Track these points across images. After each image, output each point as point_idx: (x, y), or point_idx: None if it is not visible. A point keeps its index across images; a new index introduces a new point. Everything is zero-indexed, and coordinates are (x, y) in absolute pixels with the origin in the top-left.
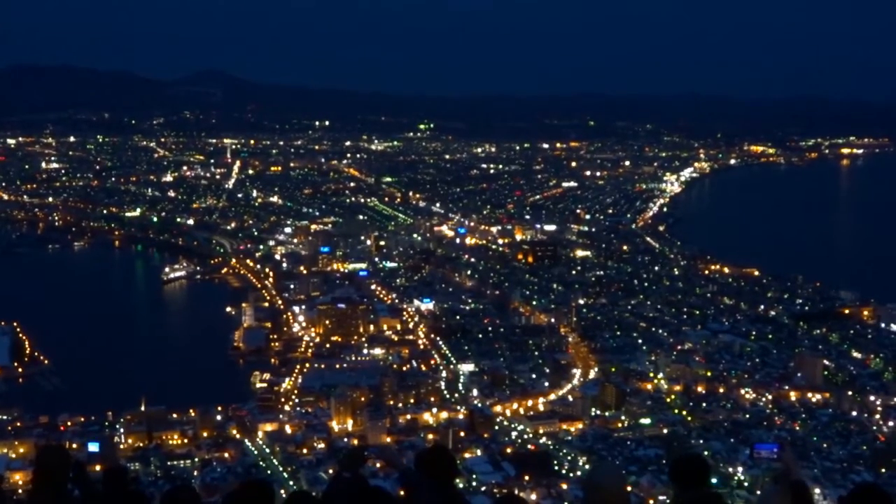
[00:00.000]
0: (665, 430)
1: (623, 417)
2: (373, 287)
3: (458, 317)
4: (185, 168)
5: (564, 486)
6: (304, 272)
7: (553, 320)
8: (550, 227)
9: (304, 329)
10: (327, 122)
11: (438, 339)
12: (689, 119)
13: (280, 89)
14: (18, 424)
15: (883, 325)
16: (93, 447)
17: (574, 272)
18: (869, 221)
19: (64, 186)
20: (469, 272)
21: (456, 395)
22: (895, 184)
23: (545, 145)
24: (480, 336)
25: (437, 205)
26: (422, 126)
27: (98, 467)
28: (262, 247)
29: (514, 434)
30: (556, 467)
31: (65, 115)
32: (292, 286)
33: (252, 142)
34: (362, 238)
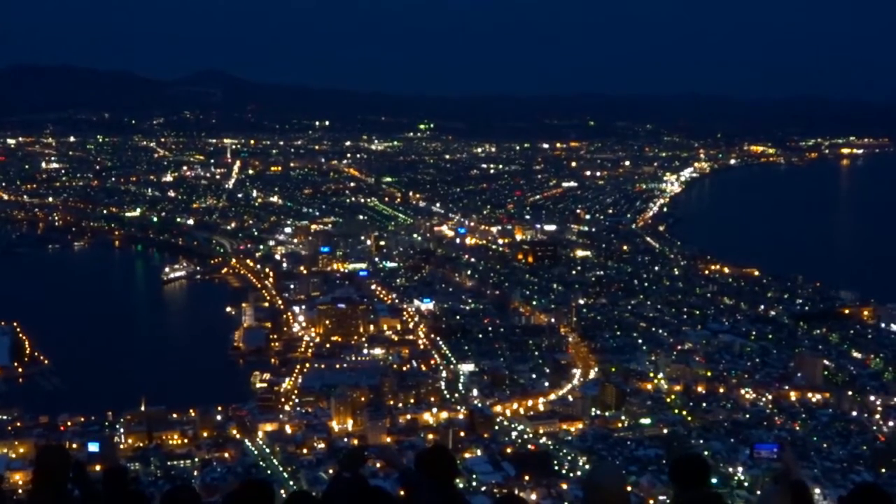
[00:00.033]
0: (665, 430)
1: (623, 417)
2: (373, 287)
3: (458, 317)
4: (185, 168)
5: (564, 486)
6: (304, 272)
7: (553, 320)
8: (550, 227)
9: (304, 329)
10: (327, 122)
11: (438, 339)
12: (689, 119)
13: (280, 89)
14: (18, 424)
15: (883, 325)
16: (93, 447)
17: (574, 272)
18: (869, 221)
19: (64, 186)
20: (469, 272)
21: (456, 395)
22: (895, 184)
23: (545, 145)
24: (480, 336)
25: (437, 205)
26: (422, 126)
27: (98, 467)
28: (262, 247)
29: (514, 434)
30: (556, 467)
31: (65, 115)
32: (292, 286)
33: (252, 142)
34: (362, 238)
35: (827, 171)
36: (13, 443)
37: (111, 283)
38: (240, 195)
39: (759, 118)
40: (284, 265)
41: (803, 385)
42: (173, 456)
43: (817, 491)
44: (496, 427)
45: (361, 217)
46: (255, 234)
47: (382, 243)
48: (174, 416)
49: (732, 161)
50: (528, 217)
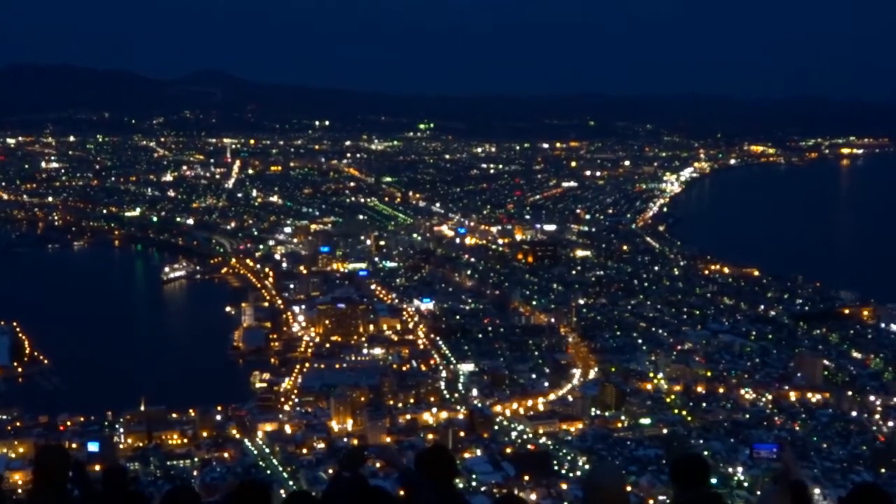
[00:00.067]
0: (665, 430)
1: (623, 417)
2: (373, 287)
3: (458, 317)
4: (184, 168)
5: (564, 486)
6: (304, 272)
7: (553, 320)
8: (550, 227)
9: (303, 329)
10: (327, 122)
11: (438, 339)
12: (689, 119)
13: (280, 89)
14: (18, 424)
15: (883, 325)
16: (92, 447)
17: (574, 272)
18: (869, 221)
19: (64, 186)
20: (469, 272)
21: (456, 395)
22: (895, 184)
23: (545, 145)
24: (480, 336)
25: (437, 205)
26: (422, 126)
27: (98, 467)
28: (261, 247)
29: (513, 434)
30: (556, 467)
31: (65, 114)
32: (292, 286)
33: (252, 142)
34: (362, 238)
35: (827, 171)
36: (13, 443)
37: (111, 282)
38: (240, 195)
39: (759, 118)
40: (284, 265)
41: (803, 385)
42: (173, 456)
43: (817, 491)
44: (496, 427)
45: (361, 217)
46: (255, 233)
47: (382, 243)
48: (174, 415)
49: (732, 161)
50: (528, 217)
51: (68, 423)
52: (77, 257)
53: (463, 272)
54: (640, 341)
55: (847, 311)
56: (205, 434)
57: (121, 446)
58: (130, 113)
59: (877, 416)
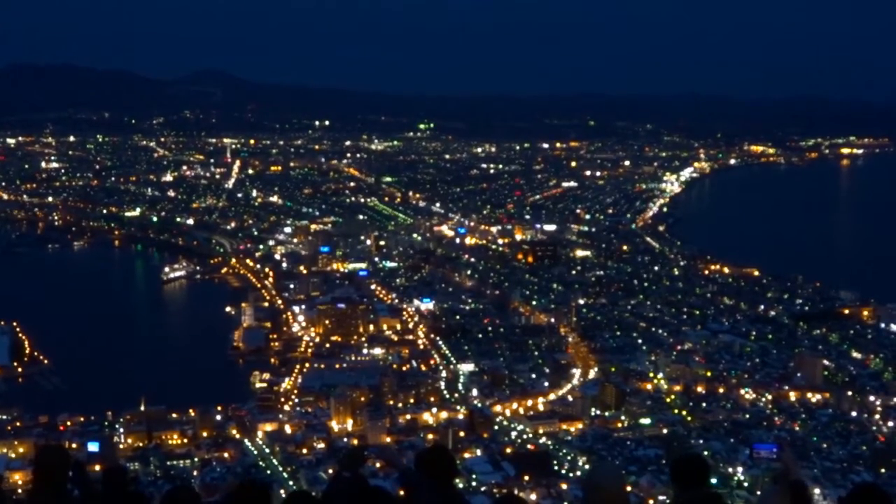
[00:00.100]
0: (665, 430)
1: (623, 417)
2: (373, 287)
3: (458, 317)
4: (184, 168)
5: (564, 486)
6: (304, 272)
7: (553, 320)
8: (550, 227)
9: (303, 329)
10: (327, 122)
11: (438, 339)
12: (689, 119)
13: (280, 89)
14: (18, 424)
15: (883, 325)
16: (92, 447)
17: (574, 272)
18: (869, 221)
19: (64, 186)
20: (469, 272)
21: (456, 395)
22: (895, 184)
23: (545, 145)
24: (480, 336)
25: (437, 205)
26: (422, 126)
27: (98, 467)
28: (261, 247)
29: (513, 434)
30: (556, 467)
31: (65, 114)
32: (292, 286)
33: (252, 142)
34: (362, 238)
35: (827, 171)
36: (13, 442)
37: (111, 282)
38: (240, 195)
39: (759, 118)
40: (284, 265)
41: (803, 385)
42: (173, 456)
43: (817, 491)
44: (496, 427)
45: (361, 217)
46: (255, 233)
47: (382, 243)
48: (174, 415)
49: (732, 161)
50: (527, 217)
51: (68, 423)
52: (77, 257)
53: (463, 272)
54: (640, 341)
55: (847, 311)
56: (205, 434)
57: (121, 446)
58: (130, 113)
59: (877, 416)
